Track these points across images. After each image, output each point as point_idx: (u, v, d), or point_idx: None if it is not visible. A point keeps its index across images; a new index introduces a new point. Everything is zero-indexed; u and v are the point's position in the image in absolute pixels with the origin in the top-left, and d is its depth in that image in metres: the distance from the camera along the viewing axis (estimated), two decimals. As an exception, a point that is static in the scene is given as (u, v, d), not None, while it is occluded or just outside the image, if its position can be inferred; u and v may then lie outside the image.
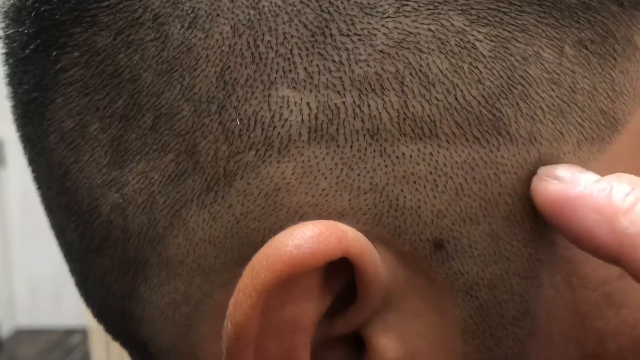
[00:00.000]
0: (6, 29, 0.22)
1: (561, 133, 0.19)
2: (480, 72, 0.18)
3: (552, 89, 0.19)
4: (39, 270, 2.50)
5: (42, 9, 0.20)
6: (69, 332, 2.44)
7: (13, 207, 2.51)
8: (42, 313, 2.56)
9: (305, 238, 0.17)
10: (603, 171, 0.20)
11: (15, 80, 0.22)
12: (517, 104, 0.18)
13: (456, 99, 0.18)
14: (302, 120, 0.18)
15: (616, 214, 0.17)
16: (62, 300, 2.47)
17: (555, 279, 0.19)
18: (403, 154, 0.18)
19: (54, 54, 0.20)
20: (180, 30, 0.18)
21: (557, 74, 0.19)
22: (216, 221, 0.19)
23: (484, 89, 0.18)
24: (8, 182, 2.48)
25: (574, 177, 0.18)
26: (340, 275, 0.18)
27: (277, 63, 0.18)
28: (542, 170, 0.19)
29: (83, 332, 2.18)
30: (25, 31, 0.21)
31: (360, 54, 0.18)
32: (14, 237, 2.55)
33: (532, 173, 0.19)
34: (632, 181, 0.17)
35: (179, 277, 0.20)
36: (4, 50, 0.22)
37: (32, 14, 0.20)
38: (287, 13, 0.18)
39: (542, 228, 0.19)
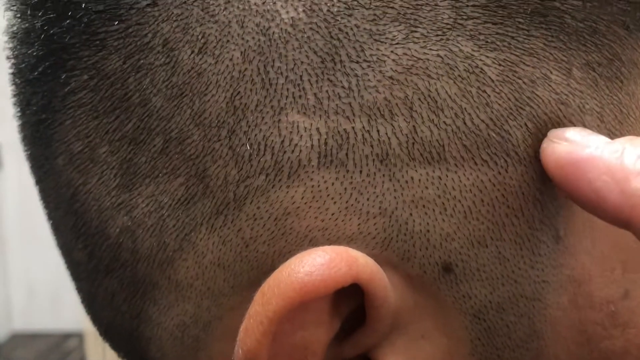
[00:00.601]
0: (14, 50, 0.22)
1: None
2: (489, 95, 0.18)
3: (560, 110, 0.19)
4: (36, 274, 2.49)
5: (52, 31, 0.20)
6: (66, 336, 2.43)
7: (10, 210, 2.50)
8: (38, 317, 2.55)
9: (317, 265, 0.17)
10: None
11: (23, 101, 0.22)
12: (526, 124, 0.18)
13: (464, 123, 0.18)
14: (312, 145, 0.18)
15: (627, 176, 0.17)
16: (58, 304, 2.47)
17: (561, 299, 0.20)
18: (412, 178, 0.18)
19: (62, 77, 0.20)
20: (190, 55, 0.18)
21: (566, 94, 0.19)
22: (225, 245, 0.19)
23: (492, 112, 0.18)
24: (5, 186, 2.47)
25: (585, 138, 0.18)
26: (349, 299, 0.19)
27: (287, 89, 0.18)
28: (552, 133, 0.18)
29: (79, 336, 2.18)
30: (34, 53, 0.21)
31: (369, 80, 0.18)
32: (11, 241, 2.55)
33: (539, 191, 0.19)
34: None
35: (188, 299, 0.20)
36: (11, 71, 0.23)
37: (41, 36, 0.20)
38: (297, 39, 0.18)
39: (547, 249, 0.19)
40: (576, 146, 0.18)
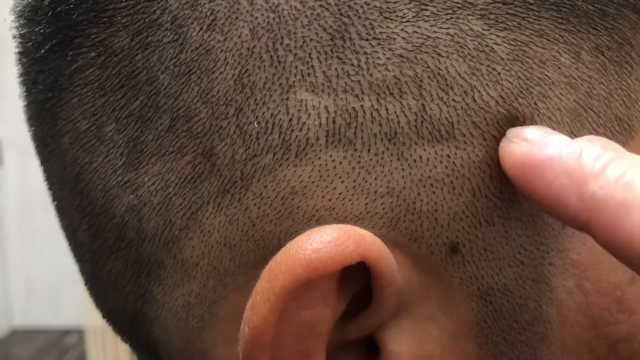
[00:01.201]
0: (21, 28, 0.22)
1: (575, 135, 0.19)
2: (499, 73, 0.18)
3: (570, 93, 0.19)
4: (35, 270, 2.49)
5: (59, 8, 0.20)
6: (65, 332, 2.43)
7: (10, 207, 2.51)
8: (38, 313, 2.55)
9: (324, 242, 0.17)
10: None
11: (29, 80, 0.22)
12: (536, 104, 0.18)
13: (474, 100, 0.18)
14: (320, 123, 0.18)
15: (585, 177, 0.16)
16: (58, 300, 2.47)
17: (567, 283, 0.19)
18: (420, 157, 0.18)
19: (70, 54, 0.20)
20: (199, 32, 0.18)
21: (574, 78, 0.19)
22: (232, 224, 0.19)
23: (502, 89, 0.18)
24: (5, 183, 2.47)
25: (543, 138, 0.18)
26: (356, 279, 0.18)
27: (296, 66, 0.18)
28: (511, 132, 0.18)
29: (79, 333, 2.18)
30: (41, 31, 0.21)
31: (379, 57, 0.18)
32: (11, 237, 2.55)
33: None
34: (604, 144, 0.17)
35: (194, 279, 0.20)
36: (18, 50, 0.22)
37: (49, 14, 0.20)
38: (306, 16, 0.18)
39: (552, 231, 0.19)
40: (534, 146, 0.17)
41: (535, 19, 0.18)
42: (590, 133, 0.19)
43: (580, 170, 0.16)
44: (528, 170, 0.17)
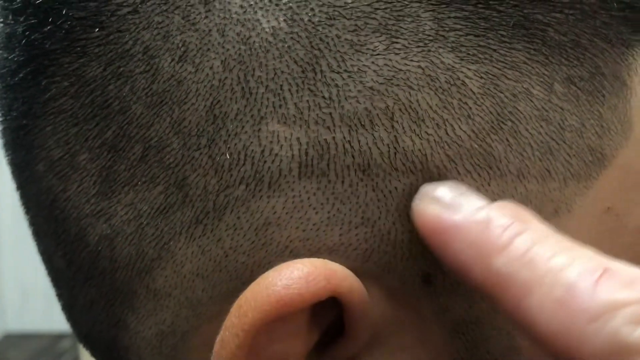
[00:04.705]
0: None
1: (548, 170, 0.19)
2: (470, 108, 0.18)
3: (541, 126, 0.19)
4: (29, 275, 2.48)
5: (33, 37, 0.20)
6: (59, 337, 2.42)
7: (4, 210, 2.50)
8: (32, 317, 2.54)
9: (294, 278, 0.17)
10: (589, 207, 0.20)
11: (4, 107, 0.22)
12: (507, 139, 0.18)
13: (447, 133, 0.18)
14: (293, 155, 0.18)
15: (490, 252, 0.16)
16: (52, 304, 2.45)
17: None
18: (395, 188, 0.18)
19: (43, 83, 0.20)
20: (170, 63, 0.18)
21: (547, 110, 0.19)
22: (205, 254, 0.19)
23: (474, 124, 0.18)
24: (0, 186, 2.47)
25: (454, 201, 0.17)
26: (328, 311, 0.18)
27: (268, 98, 0.18)
28: (423, 189, 0.18)
29: (73, 337, 2.17)
30: (15, 58, 0.21)
31: (350, 90, 0.18)
32: (5, 241, 2.54)
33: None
34: (513, 213, 0.17)
35: (167, 308, 0.20)
36: (-7, 75, 0.22)
37: (23, 42, 0.20)
38: (277, 49, 0.18)
39: None
40: (444, 211, 0.17)
41: (507, 51, 0.18)
42: (563, 165, 0.19)
43: (486, 243, 0.16)
44: (436, 236, 0.17)
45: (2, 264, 2.56)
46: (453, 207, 0.17)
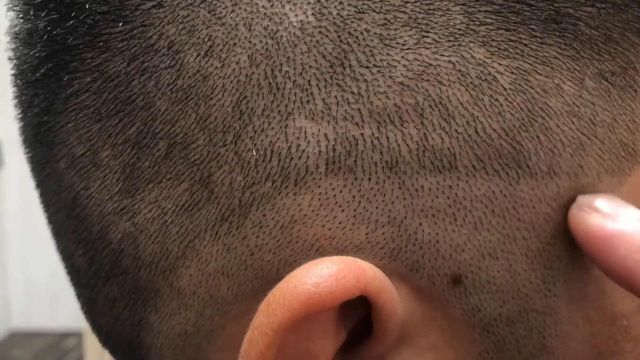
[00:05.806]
0: (17, 51, 0.22)
1: (580, 166, 0.19)
2: (501, 104, 0.18)
3: (573, 122, 0.18)
4: (35, 273, 2.48)
5: (55, 32, 0.20)
6: (64, 335, 2.42)
7: (10, 209, 2.50)
8: (37, 316, 2.54)
9: (324, 276, 0.17)
10: None
11: (25, 103, 0.22)
12: (538, 137, 0.18)
13: (476, 132, 0.18)
14: (320, 151, 0.18)
15: None
16: (57, 303, 2.46)
17: (573, 314, 0.19)
18: (422, 186, 0.18)
19: (65, 79, 0.20)
20: (196, 58, 0.18)
21: (578, 106, 0.18)
22: (230, 252, 0.19)
23: (504, 121, 0.18)
24: (6, 184, 2.47)
25: (615, 210, 0.18)
26: (356, 310, 0.18)
27: (295, 94, 0.18)
28: (581, 200, 0.18)
29: (78, 336, 2.17)
30: (37, 54, 0.20)
31: (379, 85, 0.17)
32: (11, 239, 2.54)
33: (550, 207, 0.18)
34: None
35: (191, 307, 0.20)
36: (13, 72, 0.22)
37: (44, 37, 0.20)
38: (305, 43, 0.17)
39: (559, 264, 0.19)
40: (606, 220, 0.18)
41: (538, 46, 0.18)
42: (596, 160, 0.19)
43: None
44: (600, 244, 0.18)
45: (8, 262, 2.57)
46: (614, 216, 0.18)
